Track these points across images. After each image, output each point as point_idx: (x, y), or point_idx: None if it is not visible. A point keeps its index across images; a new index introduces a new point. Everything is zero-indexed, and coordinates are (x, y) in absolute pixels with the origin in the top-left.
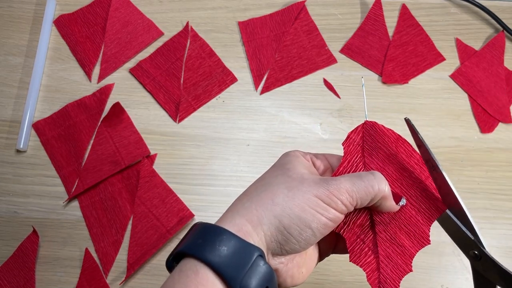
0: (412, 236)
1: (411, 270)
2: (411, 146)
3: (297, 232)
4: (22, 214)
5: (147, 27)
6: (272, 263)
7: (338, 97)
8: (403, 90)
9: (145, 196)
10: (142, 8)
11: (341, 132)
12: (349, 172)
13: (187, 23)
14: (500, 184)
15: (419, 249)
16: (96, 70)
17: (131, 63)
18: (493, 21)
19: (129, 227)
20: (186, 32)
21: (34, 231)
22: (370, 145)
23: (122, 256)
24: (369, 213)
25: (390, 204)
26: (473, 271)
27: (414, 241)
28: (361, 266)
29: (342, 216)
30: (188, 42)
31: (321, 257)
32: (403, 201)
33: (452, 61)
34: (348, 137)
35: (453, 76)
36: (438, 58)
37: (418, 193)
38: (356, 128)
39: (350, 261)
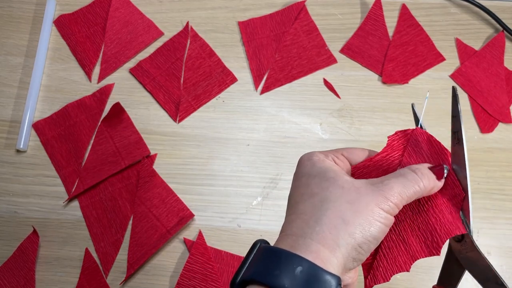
0: (423, 242)
1: (407, 270)
2: (453, 168)
3: (367, 245)
4: (22, 214)
5: (147, 27)
6: (345, 279)
7: (338, 97)
8: (403, 90)
9: (145, 196)
10: (142, 8)
11: (341, 132)
12: (382, 164)
13: (187, 23)
14: (500, 184)
15: (426, 257)
16: (96, 70)
17: (131, 63)
18: (493, 21)
19: (129, 227)
20: (186, 32)
21: (35, 231)
22: (413, 148)
23: (122, 256)
24: None
25: (434, 190)
26: (448, 253)
27: (423, 247)
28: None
29: (393, 220)
30: (188, 42)
31: None
32: (446, 171)
33: (452, 61)
34: (395, 133)
35: (453, 76)
36: (438, 58)
37: (445, 207)
38: (406, 130)
39: None
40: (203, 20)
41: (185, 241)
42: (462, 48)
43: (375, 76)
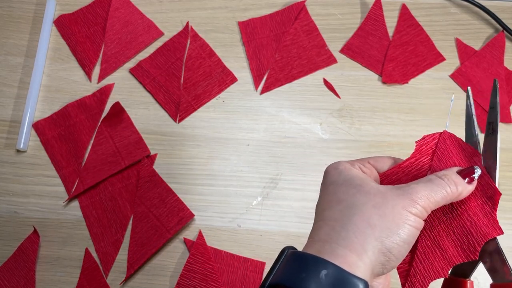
0: (459, 246)
1: (445, 276)
2: (484, 168)
3: (397, 249)
4: (22, 214)
5: (147, 27)
6: (374, 285)
7: (338, 97)
8: (403, 90)
9: (145, 196)
10: (142, 8)
11: (341, 132)
12: (411, 169)
13: (187, 23)
14: (500, 184)
15: (463, 261)
16: (96, 70)
17: (131, 63)
18: (493, 21)
19: (129, 227)
20: (186, 32)
21: (35, 231)
22: (442, 152)
23: (122, 256)
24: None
25: (465, 194)
26: None
27: (459, 251)
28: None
29: (423, 223)
30: (188, 42)
31: None
32: (477, 172)
33: (452, 61)
34: (423, 138)
35: (453, 76)
36: (438, 58)
37: (479, 208)
38: (433, 134)
39: None
40: (203, 20)
41: (185, 241)
42: (462, 48)
43: (375, 76)
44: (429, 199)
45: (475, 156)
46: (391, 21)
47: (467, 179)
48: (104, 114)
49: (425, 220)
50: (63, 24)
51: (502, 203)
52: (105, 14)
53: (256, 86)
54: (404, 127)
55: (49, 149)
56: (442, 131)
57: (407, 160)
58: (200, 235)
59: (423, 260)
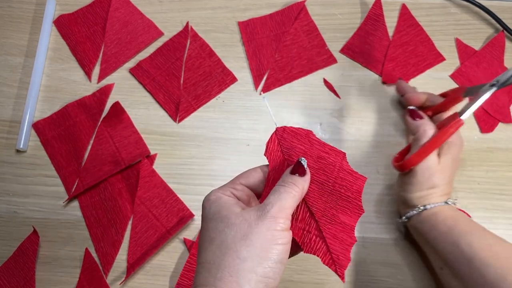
0: (348, 211)
1: (355, 240)
2: (319, 139)
3: (273, 272)
4: (22, 214)
5: (147, 27)
6: None
7: (338, 97)
8: None
9: (145, 196)
10: (142, 8)
11: (341, 132)
12: (278, 176)
13: (187, 23)
14: (500, 184)
15: (357, 220)
16: (96, 70)
17: (131, 63)
18: (493, 21)
19: (129, 227)
20: (186, 32)
21: (35, 231)
22: (287, 147)
23: (122, 256)
24: (305, 205)
25: (307, 185)
26: None
27: (351, 215)
28: (314, 253)
29: (290, 232)
30: (188, 42)
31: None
32: (303, 161)
33: (452, 61)
34: (266, 147)
35: (453, 76)
36: (438, 58)
37: (341, 173)
38: (271, 137)
39: (304, 252)
40: (203, 20)
41: (185, 241)
42: (462, 48)
43: (375, 76)
44: (284, 207)
45: (310, 133)
46: (391, 21)
47: (297, 174)
48: (104, 114)
49: (313, 210)
50: (63, 24)
51: (502, 203)
52: (105, 14)
53: (256, 86)
54: (404, 127)
55: (49, 149)
56: (274, 130)
57: (268, 173)
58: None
59: (335, 241)
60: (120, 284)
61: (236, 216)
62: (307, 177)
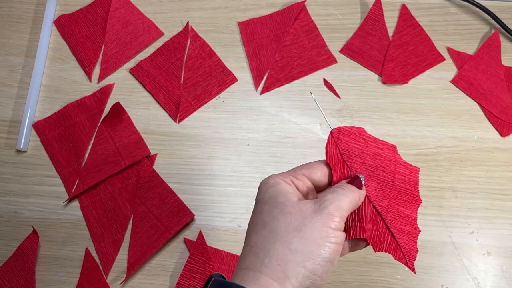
0: (409, 204)
1: (420, 230)
2: (371, 135)
3: (321, 270)
4: (22, 214)
5: (147, 27)
6: None
7: (338, 97)
8: (403, 90)
9: (145, 196)
10: (142, 8)
11: None
12: (338, 179)
13: (187, 23)
14: (500, 184)
15: (417, 210)
16: (96, 70)
17: (131, 63)
18: (493, 21)
19: (129, 227)
20: (186, 32)
21: (34, 231)
22: (344, 148)
23: (122, 256)
24: (371, 205)
25: (362, 197)
26: None
27: (411, 207)
28: (385, 251)
29: (344, 234)
30: (188, 42)
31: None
32: (362, 179)
33: (452, 61)
34: (326, 151)
35: (454, 82)
36: (438, 58)
37: (397, 167)
38: (328, 140)
39: (375, 251)
40: (203, 20)
41: (185, 241)
42: (456, 55)
43: (375, 76)
44: (341, 208)
45: (362, 131)
46: (391, 21)
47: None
48: (104, 114)
49: (379, 208)
50: (63, 24)
51: (502, 203)
52: (105, 14)
53: (256, 86)
54: (404, 127)
55: (49, 149)
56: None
57: (333, 179)
58: (200, 235)
59: (402, 235)
60: (120, 284)
61: (293, 205)
62: (363, 191)
